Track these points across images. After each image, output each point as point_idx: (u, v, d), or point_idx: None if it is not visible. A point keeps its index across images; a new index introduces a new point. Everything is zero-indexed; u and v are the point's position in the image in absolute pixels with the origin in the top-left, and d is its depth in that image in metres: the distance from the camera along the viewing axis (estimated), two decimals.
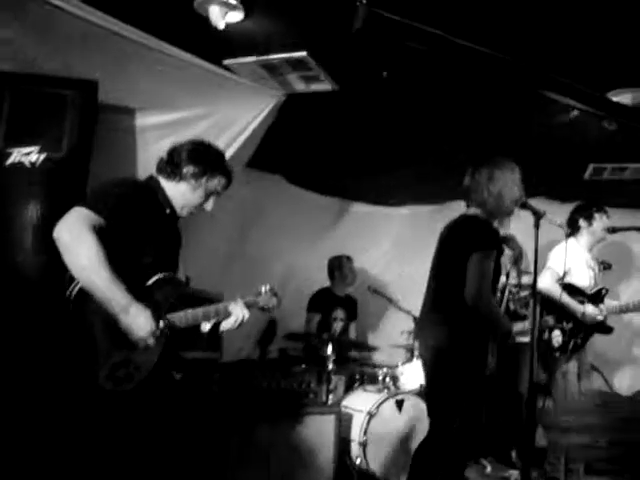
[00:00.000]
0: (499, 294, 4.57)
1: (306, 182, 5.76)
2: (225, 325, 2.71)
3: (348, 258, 5.61)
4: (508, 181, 3.13)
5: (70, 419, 2.25)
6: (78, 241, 2.15)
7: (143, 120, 3.58)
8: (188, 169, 2.54)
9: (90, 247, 2.14)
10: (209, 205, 2.67)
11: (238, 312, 2.67)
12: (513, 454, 4.92)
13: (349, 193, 6.14)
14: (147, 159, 3.71)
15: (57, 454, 2.30)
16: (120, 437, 2.33)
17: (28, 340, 2.68)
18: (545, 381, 4.16)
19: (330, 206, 6.17)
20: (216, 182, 2.63)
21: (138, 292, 2.26)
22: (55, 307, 2.30)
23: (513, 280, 5.18)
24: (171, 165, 2.56)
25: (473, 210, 3.19)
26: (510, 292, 4.99)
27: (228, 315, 2.66)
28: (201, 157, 2.59)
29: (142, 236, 2.39)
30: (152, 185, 2.57)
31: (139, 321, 2.22)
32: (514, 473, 4.62)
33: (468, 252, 2.98)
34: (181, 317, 2.46)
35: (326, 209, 6.13)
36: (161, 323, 2.31)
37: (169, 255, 2.58)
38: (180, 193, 2.57)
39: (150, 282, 2.38)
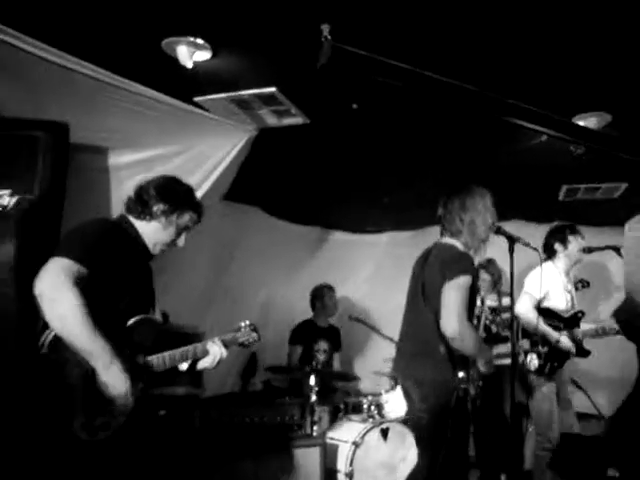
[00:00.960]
0: (475, 320, 4.60)
1: (284, 212, 5.79)
2: (203, 364, 2.70)
3: (329, 288, 5.61)
4: (480, 208, 3.16)
5: (46, 470, 2.20)
6: (61, 296, 2.11)
7: (116, 159, 3.58)
8: (158, 207, 2.53)
9: (73, 302, 2.11)
10: (181, 241, 2.67)
11: (216, 351, 2.67)
12: (503, 478, 4.89)
13: (327, 222, 6.18)
14: (122, 197, 3.66)
15: None
16: None
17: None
18: (525, 403, 4.16)
19: (309, 235, 6.19)
20: (187, 218, 2.62)
21: (116, 337, 2.24)
22: (29, 355, 2.26)
23: (493, 303, 5.22)
24: (140, 204, 2.54)
25: (447, 239, 3.21)
26: (492, 313, 5.02)
27: (206, 354, 2.66)
28: (170, 194, 2.57)
29: (119, 280, 2.37)
30: (123, 224, 2.55)
31: (118, 381, 2.20)
32: None
33: (443, 280, 2.98)
34: (159, 360, 2.46)
35: (305, 238, 6.15)
36: (139, 385, 2.30)
37: (144, 295, 2.56)
38: (151, 232, 2.56)
39: (127, 325, 2.37)
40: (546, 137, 3.69)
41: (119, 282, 2.37)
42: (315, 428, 4.27)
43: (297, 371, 4.86)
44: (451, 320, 2.92)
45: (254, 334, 2.97)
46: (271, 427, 4.01)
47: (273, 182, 4.95)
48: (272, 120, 3.67)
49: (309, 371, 4.50)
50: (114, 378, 2.19)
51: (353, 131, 3.93)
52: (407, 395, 3.23)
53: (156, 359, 2.44)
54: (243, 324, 2.96)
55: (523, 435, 4.42)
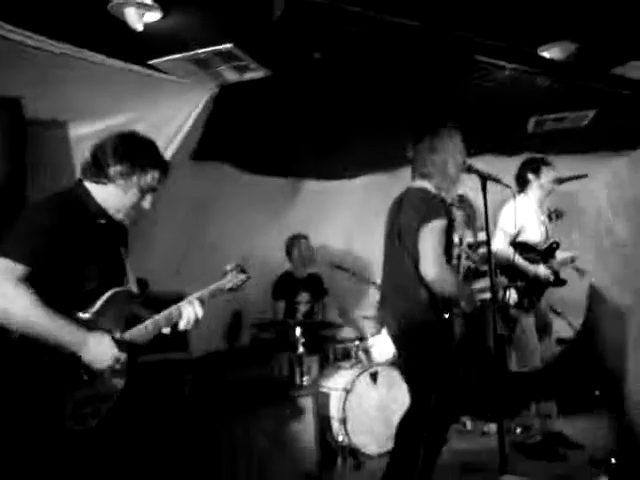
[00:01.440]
0: (455, 260, 4.64)
1: (255, 167, 5.69)
2: (181, 326, 2.52)
3: (303, 237, 5.58)
4: (449, 148, 3.14)
5: (42, 466, 2.13)
6: (6, 301, 2.01)
7: (76, 130, 3.48)
8: (115, 169, 2.27)
9: (21, 301, 2.01)
10: (147, 203, 2.41)
11: (189, 311, 2.48)
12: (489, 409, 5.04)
13: (300, 172, 6.10)
14: None
15: None
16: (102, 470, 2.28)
17: None
18: (507, 334, 4.26)
19: (283, 187, 6.11)
20: (149, 177, 2.34)
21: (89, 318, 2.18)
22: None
23: (469, 239, 5.27)
24: (95, 167, 2.30)
25: (419, 182, 3.20)
26: (469, 248, 5.07)
27: (181, 316, 2.49)
28: (128, 153, 2.31)
29: (78, 262, 2.23)
30: (79, 193, 2.33)
31: (101, 350, 2.12)
32: (492, 426, 4.75)
33: (418, 225, 2.98)
34: (140, 332, 2.34)
35: (279, 190, 6.07)
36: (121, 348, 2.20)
37: (114, 268, 2.41)
38: (111, 197, 2.32)
39: (99, 303, 2.25)
40: (511, 71, 3.65)
41: (78, 264, 2.23)
42: (305, 378, 4.34)
43: (281, 325, 4.88)
44: (430, 265, 2.94)
45: (242, 275, 2.82)
46: (262, 383, 4.05)
47: (241, 137, 4.85)
48: (232, 76, 3.57)
49: (293, 324, 4.53)
50: (96, 348, 2.12)
51: (317, 79, 3.84)
52: (392, 337, 3.28)
53: (136, 332, 2.33)
54: (229, 267, 2.81)
55: (506, 365, 4.52)
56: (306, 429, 4.03)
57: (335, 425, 4.27)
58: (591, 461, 3.81)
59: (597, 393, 5.03)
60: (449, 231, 3.09)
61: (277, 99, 4.18)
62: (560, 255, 4.27)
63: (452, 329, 3.21)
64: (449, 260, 3.13)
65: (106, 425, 2.22)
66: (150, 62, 3.31)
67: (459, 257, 4.86)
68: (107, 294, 2.28)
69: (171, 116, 3.75)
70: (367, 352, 4.72)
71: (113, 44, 3.10)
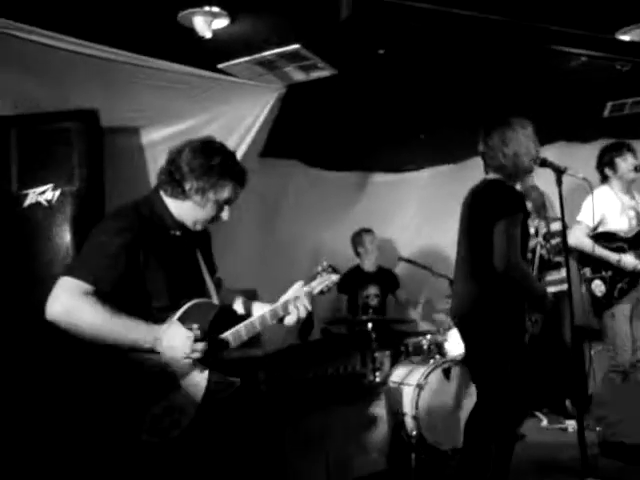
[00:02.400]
0: (530, 254, 4.53)
1: (323, 162, 5.74)
2: (288, 322, 2.48)
3: (367, 231, 5.54)
4: (522, 139, 3.05)
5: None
6: (75, 311, 1.99)
7: (149, 136, 3.59)
8: (191, 185, 2.19)
9: (90, 310, 1.99)
10: (225, 215, 2.34)
11: (301, 310, 2.41)
12: (568, 404, 4.91)
13: (366, 165, 6.10)
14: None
15: None
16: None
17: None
18: (598, 326, 4.12)
19: (349, 181, 6.13)
20: (227, 191, 2.25)
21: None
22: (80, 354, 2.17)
23: (541, 229, 5.12)
24: (172, 183, 2.22)
25: (492, 174, 3.13)
26: (544, 240, 4.93)
27: (287, 312, 2.43)
28: (204, 169, 2.20)
29: (148, 278, 2.17)
30: (155, 205, 2.27)
31: (177, 341, 2.04)
32: (571, 423, 4.62)
33: (493, 219, 2.92)
34: (236, 334, 2.28)
35: (345, 184, 6.10)
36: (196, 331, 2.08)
37: (188, 280, 2.33)
38: (188, 212, 2.26)
39: (178, 314, 2.17)
40: (586, 58, 3.51)
41: (149, 281, 2.17)
42: (377, 374, 4.33)
43: (353, 321, 4.88)
44: (503, 259, 2.88)
45: (334, 276, 2.55)
46: (335, 379, 4.08)
47: (309, 134, 4.91)
48: (299, 76, 3.60)
49: (365, 319, 4.53)
50: (171, 340, 2.04)
51: (383, 75, 3.82)
52: (462, 332, 3.23)
53: (231, 335, 2.26)
54: (320, 268, 2.56)
55: (584, 360, 4.39)
56: (379, 425, 4.02)
57: (408, 421, 4.24)
58: None
59: None
60: (524, 224, 3.02)
61: (343, 95, 4.19)
62: None
63: (524, 324, 3.12)
64: (524, 253, 3.05)
65: (190, 432, 2.17)
66: (219, 66, 3.35)
67: (534, 250, 4.74)
68: (186, 306, 2.20)
69: (241, 117, 3.80)
70: (440, 347, 4.67)
71: (183, 52, 3.17)
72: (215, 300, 2.40)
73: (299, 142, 5.08)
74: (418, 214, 6.27)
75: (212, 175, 2.21)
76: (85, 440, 2.17)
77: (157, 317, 2.15)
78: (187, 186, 2.19)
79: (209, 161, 2.21)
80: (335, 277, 2.54)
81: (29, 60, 2.84)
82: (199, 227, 2.33)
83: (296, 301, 2.39)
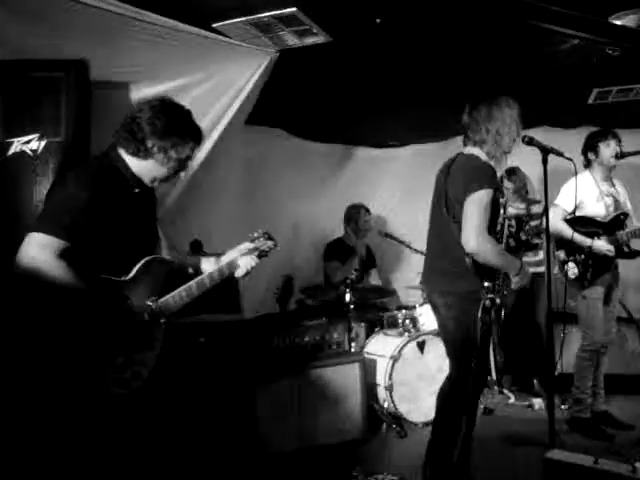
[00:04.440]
0: (499, 227, 4.61)
1: (307, 132, 5.71)
2: (238, 274, 2.65)
3: (366, 210, 5.61)
4: (507, 119, 3.07)
5: (89, 431, 2.21)
6: (48, 266, 2.09)
7: (139, 93, 3.52)
8: (154, 143, 2.28)
9: (58, 272, 2.09)
10: (182, 173, 2.51)
11: (247, 262, 2.61)
12: (535, 383, 5.04)
13: (351, 139, 6.08)
14: None
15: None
16: (141, 433, 2.36)
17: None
18: (562, 309, 4.20)
19: (333, 153, 6.12)
20: (188, 149, 2.37)
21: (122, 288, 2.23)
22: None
23: (520, 211, 5.19)
24: (134, 142, 2.29)
25: (470, 148, 3.15)
26: (520, 222, 5.00)
27: (236, 268, 2.61)
28: (167, 128, 2.29)
29: (114, 231, 2.27)
30: (114, 162, 2.34)
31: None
32: (537, 401, 4.74)
33: (464, 193, 2.94)
34: (174, 299, 2.41)
35: (329, 157, 6.09)
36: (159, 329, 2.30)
37: (146, 236, 2.47)
38: (148, 169, 2.36)
39: (135, 270, 2.29)
40: (577, 41, 3.54)
41: (113, 233, 2.26)
42: (353, 344, 4.38)
43: (333, 290, 4.91)
44: (471, 235, 2.89)
45: (269, 242, 2.78)
46: (310, 346, 4.11)
47: (295, 102, 4.85)
48: (293, 41, 3.55)
49: (345, 288, 4.55)
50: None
51: (376, 46, 3.79)
52: (434, 307, 3.28)
53: (169, 300, 2.39)
54: (256, 234, 2.78)
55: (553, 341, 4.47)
56: (352, 394, 4.07)
57: (381, 392, 4.31)
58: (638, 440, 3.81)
59: None
60: (496, 201, 3.04)
61: (333, 65, 4.16)
62: (633, 225, 4.14)
63: (494, 298, 3.17)
64: (493, 230, 3.07)
65: (149, 387, 2.28)
66: (213, 25, 3.30)
67: (502, 226, 4.81)
68: (142, 262, 2.32)
69: (233, 79, 3.76)
70: (415, 321, 4.73)
71: (178, 7, 3.10)
72: (166, 253, 2.58)
73: (285, 111, 5.04)
74: (399, 191, 6.30)
75: (173, 134, 2.31)
76: (53, 392, 2.21)
77: (116, 270, 2.25)
78: (149, 144, 2.28)
79: (171, 120, 2.32)
80: (271, 243, 2.77)
81: (16, 2, 2.76)
82: (156, 184, 2.45)
83: (242, 257, 2.60)
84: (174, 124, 2.32)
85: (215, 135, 3.90)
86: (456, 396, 3.12)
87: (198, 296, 2.51)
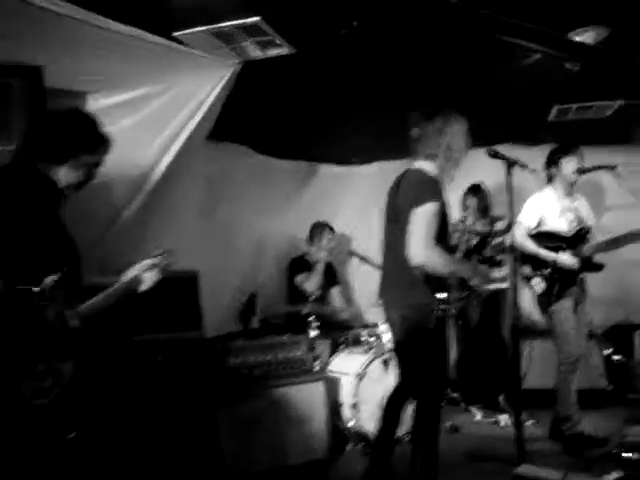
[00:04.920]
0: (456, 241, 4.67)
1: (270, 149, 5.66)
2: (141, 289, 2.66)
3: (330, 228, 5.57)
4: (456, 134, 3.16)
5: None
6: None
7: (96, 103, 3.43)
8: (66, 151, 2.38)
9: None
10: (94, 177, 2.54)
11: (147, 277, 2.63)
12: (501, 399, 5.01)
13: (315, 156, 6.05)
14: None
15: None
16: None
17: None
18: (542, 326, 4.22)
19: (297, 170, 6.08)
20: (98, 155, 2.48)
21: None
22: None
23: (485, 228, 5.22)
24: (49, 147, 2.38)
25: (419, 163, 3.19)
26: (485, 239, 5.02)
27: (139, 282, 2.62)
28: (77, 135, 2.41)
29: (30, 238, 2.24)
30: (32, 170, 2.38)
31: None
32: (503, 417, 4.72)
33: (410, 208, 2.98)
34: (87, 308, 2.39)
35: (293, 173, 6.05)
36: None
37: (65, 243, 2.45)
38: (62, 175, 2.41)
39: (50, 279, 2.23)
40: (539, 55, 3.58)
41: (30, 240, 2.24)
42: (317, 363, 4.30)
43: (296, 308, 4.83)
44: (416, 248, 2.94)
45: (169, 258, 2.81)
46: (273, 365, 4.02)
47: (258, 118, 4.80)
48: (256, 52, 3.50)
49: (309, 308, 4.49)
50: None
51: (340, 59, 3.77)
52: (390, 321, 3.26)
53: (85, 307, 2.37)
54: (157, 252, 2.80)
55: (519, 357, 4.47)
56: (316, 413, 4.00)
57: (346, 410, 4.23)
58: (606, 456, 3.78)
59: (609, 388, 4.99)
60: (443, 213, 3.09)
61: (296, 79, 4.12)
62: (596, 240, 4.17)
63: (447, 309, 3.23)
64: (442, 242, 3.09)
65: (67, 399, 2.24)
66: (174, 34, 3.23)
67: (460, 237, 4.86)
68: (57, 272, 2.27)
69: (194, 91, 3.69)
70: (379, 338, 4.67)
71: (138, 15, 3.03)
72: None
73: (247, 126, 4.98)
74: (364, 207, 6.26)
75: (85, 140, 2.43)
76: None
77: (39, 275, 2.20)
78: (63, 152, 2.38)
79: (82, 127, 2.44)
80: (170, 259, 2.79)
81: None
82: (70, 192, 2.47)
83: (144, 272, 2.62)
84: (85, 131, 2.45)
85: (175, 148, 3.83)
86: (399, 404, 3.23)
87: (107, 307, 2.51)
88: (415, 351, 3.07)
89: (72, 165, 2.40)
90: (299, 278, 5.39)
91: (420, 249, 2.92)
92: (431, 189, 3.02)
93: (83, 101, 3.44)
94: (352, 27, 3.21)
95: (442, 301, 3.04)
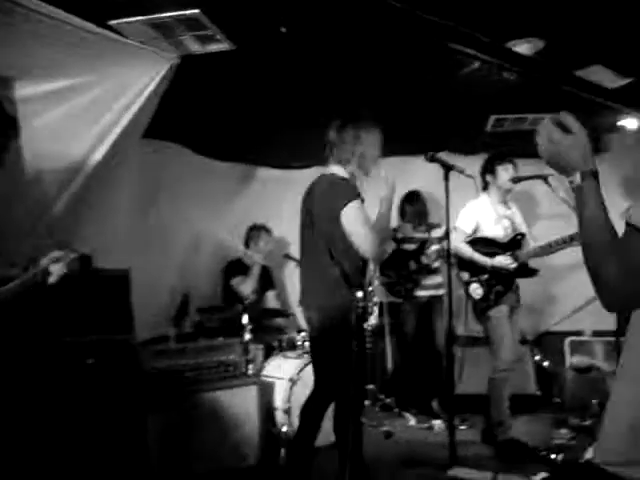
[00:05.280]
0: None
1: (207, 149, 5.55)
2: (51, 281, 2.72)
3: (267, 230, 5.51)
4: (371, 142, 3.22)
5: None
6: None
7: (23, 91, 3.24)
8: None
9: None
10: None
11: (58, 269, 2.71)
12: (434, 404, 5.05)
13: (253, 158, 5.99)
14: (33, 132, 3.41)
15: None
16: None
17: None
18: (482, 332, 4.26)
19: (234, 172, 6.00)
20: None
21: None
22: None
23: (422, 234, 5.27)
24: None
25: (332, 167, 3.24)
26: (422, 245, 5.07)
27: (47, 274, 2.69)
28: None
29: None
30: None
31: None
32: (437, 422, 4.75)
33: (333, 211, 3.00)
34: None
35: (231, 176, 5.96)
36: None
37: None
38: None
39: None
40: (478, 64, 3.64)
41: None
42: (250, 367, 4.22)
43: (229, 310, 4.75)
44: (367, 243, 2.98)
45: (73, 253, 2.88)
46: (206, 368, 3.93)
47: (195, 117, 4.68)
48: (195, 47, 3.41)
49: (242, 310, 4.41)
50: None
51: (280, 58, 3.73)
52: (310, 324, 3.26)
53: None
54: (61, 243, 2.95)
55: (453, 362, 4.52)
56: (249, 418, 3.93)
57: (279, 415, 4.16)
58: (534, 458, 3.85)
59: (538, 393, 5.11)
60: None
61: (236, 78, 4.04)
62: (530, 245, 4.26)
63: (366, 307, 3.25)
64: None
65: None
66: (110, 22, 3.11)
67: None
68: None
69: (128, 84, 3.54)
70: None
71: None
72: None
73: (184, 124, 4.86)
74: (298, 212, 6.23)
75: None
76: None
77: None
78: None
79: None
80: (74, 254, 2.86)
81: None
82: None
83: (52, 265, 2.68)
84: None
85: (109, 142, 3.67)
86: (316, 410, 3.21)
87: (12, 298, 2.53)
88: (334, 351, 3.06)
89: None
90: (235, 281, 5.31)
91: (367, 244, 2.97)
92: (348, 190, 3.06)
93: (11, 88, 3.26)
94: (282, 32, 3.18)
95: (360, 299, 3.02)
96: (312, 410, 3.23)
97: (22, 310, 2.61)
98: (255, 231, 5.48)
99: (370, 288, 3.26)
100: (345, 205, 2.97)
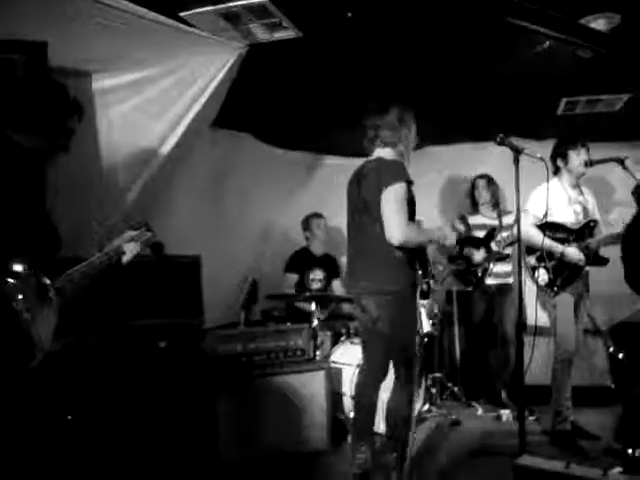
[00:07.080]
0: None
1: (276, 139, 5.61)
2: (125, 260, 2.70)
3: (317, 216, 5.53)
4: (412, 124, 3.25)
5: None
6: None
7: (101, 83, 3.40)
8: (42, 119, 2.37)
9: None
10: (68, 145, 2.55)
11: (132, 248, 2.71)
12: (503, 394, 4.96)
13: (320, 147, 6.01)
14: (110, 123, 3.55)
15: None
16: None
17: None
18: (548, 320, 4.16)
19: (301, 162, 6.04)
20: (74, 121, 2.47)
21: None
22: None
23: (493, 220, 5.17)
24: (21, 115, 2.35)
25: (379, 150, 3.24)
26: (493, 231, 4.97)
27: (121, 253, 2.67)
28: (51, 101, 2.40)
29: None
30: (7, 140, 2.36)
31: None
32: (505, 412, 4.66)
33: (379, 191, 3.02)
34: (68, 278, 2.37)
35: (297, 165, 6.00)
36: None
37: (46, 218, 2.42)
38: (25, 141, 2.36)
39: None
40: (548, 43, 3.53)
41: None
42: (318, 353, 4.26)
43: (298, 297, 4.80)
44: (394, 229, 2.99)
45: (148, 233, 2.88)
46: (275, 353, 3.98)
47: (263, 106, 4.75)
48: (263, 35, 3.46)
49: (310, 296, 4.45)
50: None
51: (347, 45, 3.72)
52: (362, 309, 3.22)
53: (65, 277, 2.35)
54: (135, 224, 2.89)
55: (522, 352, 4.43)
56: (317, 403, 3.95)
57: (347, 402, 4.18)
58: (606, 451, 3.73)
59: (612, 386, 4.93)
60: (411, 195, 3.14)
61: (302, 67, 4.08)
62: (601, 233, 4.12)
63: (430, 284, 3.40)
64: (412, 218, 3.18)
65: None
66: (181, 14, 3.19)
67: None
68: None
69: (198, 74, 3.64)
70: None
71: None
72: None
73: (253, 114, 4.93)
74: None
75: (63, 107, 2.42)
76: None
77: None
78: (39, 120, 2.35)
79: (56, 94, 2.43)
80: (149, 234, 2.87)
81: None
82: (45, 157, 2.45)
83: (126, 244, 2.69)
84: (58, 97, 2.42)
85: (179, 131, 3.79)
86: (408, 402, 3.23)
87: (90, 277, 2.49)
88: (399, 337, 3.10)
89: (34, 131, 2.35)
90: (289, 278, 5.36)
91: (398, 229, 2.98)
92: (397, 170, 3.07)
93: (88, 81, 3.41)
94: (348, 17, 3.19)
95: (424, 275, 3.13)
96: (368, 390, 3.33)
97: (100, 291, 2.65)
98: (306, 221, 5.53)
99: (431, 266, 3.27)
100: (388, 185, 2.99)
